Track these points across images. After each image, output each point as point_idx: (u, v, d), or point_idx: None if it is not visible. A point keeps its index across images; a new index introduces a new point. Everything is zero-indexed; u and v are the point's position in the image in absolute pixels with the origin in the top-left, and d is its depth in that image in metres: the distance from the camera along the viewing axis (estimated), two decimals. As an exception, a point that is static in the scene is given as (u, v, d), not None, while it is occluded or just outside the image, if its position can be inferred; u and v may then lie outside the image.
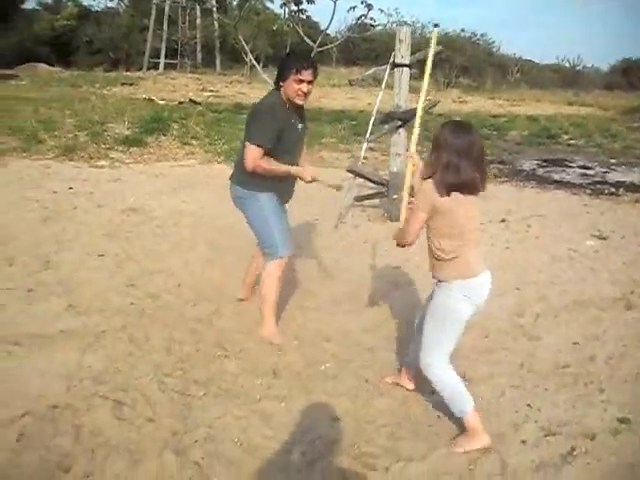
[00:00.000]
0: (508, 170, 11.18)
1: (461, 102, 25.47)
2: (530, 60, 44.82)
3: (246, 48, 14.87)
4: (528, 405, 3.49)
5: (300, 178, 3.99)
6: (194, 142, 12.34)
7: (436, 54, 7.72)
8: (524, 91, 31.45)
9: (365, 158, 11.58)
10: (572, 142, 15.88)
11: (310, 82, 3.87)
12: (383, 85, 7.12)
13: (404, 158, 3.50)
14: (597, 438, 3.17)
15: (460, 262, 3.03)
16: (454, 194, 2.92)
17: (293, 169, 3.97)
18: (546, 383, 3.74)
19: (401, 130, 7.12)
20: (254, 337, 4.21)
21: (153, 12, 30.76)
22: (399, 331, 4.46)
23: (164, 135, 12.57)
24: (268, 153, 3.89)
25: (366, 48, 36.60)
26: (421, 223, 3.02)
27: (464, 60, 33.28)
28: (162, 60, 31.18)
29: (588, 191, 9.64)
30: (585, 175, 11.12)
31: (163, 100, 18.35)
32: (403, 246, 3.20)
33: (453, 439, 3.15)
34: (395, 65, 6.95)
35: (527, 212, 7.90)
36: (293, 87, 3.83)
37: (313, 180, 3.94)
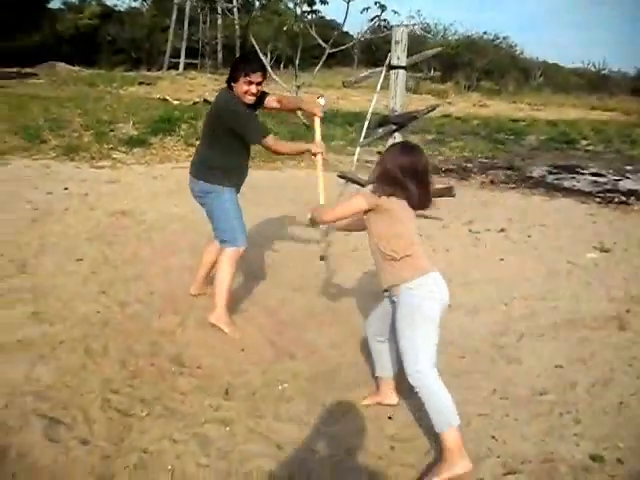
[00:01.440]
0: (516, 176, 10.87)
1: (481, 106, 25.11)
2: (555, 64, 44.24)
3: (257, 48, 14.70)
4: (493, 437, 3.20)
5: (310, 152, 4.26)
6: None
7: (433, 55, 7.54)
8: (547, 95, 30.95)
9: (367, 162, 11.46)
10: (590, 148, 15.52)
11: (259, 83, 4.09)
12: (378, 87, 6.89)
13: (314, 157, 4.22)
14: (563, 478, 2.90)
15: (413, 260, 3.06)
16: (391, 197, 3.05)
17: (306, 146, 4.36)
18: (518, 412, 3.46)
19: (396, 134, 6.89)
20: (214, 352, 4.02)
21: (174, 12, 30.72)
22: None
23: (170, 136, 12.45)
24: (227, 146, 4.23)
25: (388, 50, 36.29)
26: (355, 210, 3.19)
27: (486, 63, 32.85)
28: (182, 60, 31.13)
29: (597, 199, 9.31)
30: (596, 183, 10.77)
31: (177, 100, 18.25)
32: (318, 224, 3.55)
33: (428, 471, 2.89)
34: (391, 67, 6.72)
35: (529, 221, 7.61)
36: (242, 88, 4.06)
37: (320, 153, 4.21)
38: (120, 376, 3.67)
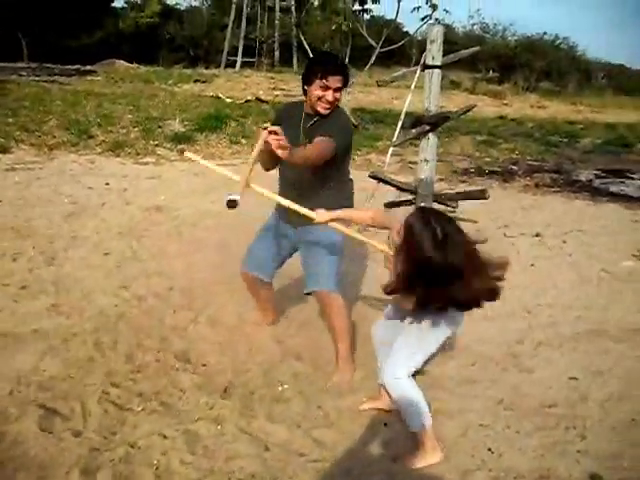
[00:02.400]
0: (562, 180, 10.57)
1: (539, 107, 24.53)
2: (621, 65, 43.01)
3: (306, 47, 14.72)
4: (489, 449, 3.09)
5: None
6: (244, 141, 12.27)
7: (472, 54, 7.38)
8: (609, 98, 30.03)
9: (400, 162, 11.36)
10: (647, 152, 14.98)
11: (338, 89, 3.44)
12: (412, 87, 6.79)
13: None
14: (555, 497, 2.78)
15: None
16: None
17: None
18: (521, 424, 3.33)
19: (430, 135, 6.77)
20: (222, 350, 4.03)
21: (233, 10, 31.03)
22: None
23: (216, 133, 12.56)
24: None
25: (447, 50, 35.86)
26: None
27: (545, 65, 32.14)
28: (239, 58, 31.39)
29: (644, 206, 8.95)
30: (646, 188, 10.38)
31: (230, 98, 18.37)
32: None
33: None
34: (426, 67, 6.59)
35: (567, 226, 7.38)
36: (316, 94, 3.43)
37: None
38: (124, 370, 3.71)
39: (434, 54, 6.58)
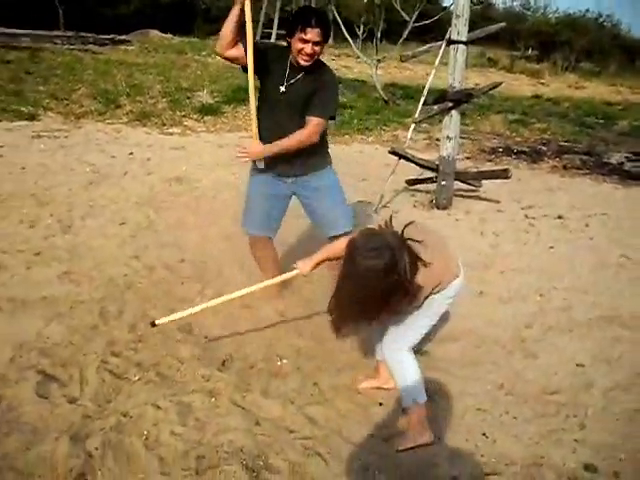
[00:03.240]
0: (592, 162, 10.30)
1: (577, 88, 23.94)
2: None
3: (337, 18, 14.53)
4: (484, 434, 3.04)
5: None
6: (271, 114, 12.17)
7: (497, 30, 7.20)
8: (652, 78, 29.15)
9: (427, 138, 11.20)
10: (686, 135, 14.51)
11: (317, 43, 3.48)
12: (436, 63, 6.67)
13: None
14: (545, 486, 2.72)
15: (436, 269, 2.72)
16: None
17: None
18: (520, 410, 3.27)
19: (453, 112, 6.65)
20: (225, 323, 4.02)
21: (269, -19, 30.81)
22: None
23: (244, 105, 12.50)
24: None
25: (484, 26, 35.16)
26: None
27: (586, 42, 31.30)
28: (274, 30, 31.19)
29: (676, 190, 8.66)
30: (680, 172, 10.03)
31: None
32: None
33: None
34: (450, 42, 6.47)
35: (592, 210, 7.19)
36: (296, 45, 3.49)
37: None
38: (126, 339, 3.73)
39: (460, 29, 6.47)
